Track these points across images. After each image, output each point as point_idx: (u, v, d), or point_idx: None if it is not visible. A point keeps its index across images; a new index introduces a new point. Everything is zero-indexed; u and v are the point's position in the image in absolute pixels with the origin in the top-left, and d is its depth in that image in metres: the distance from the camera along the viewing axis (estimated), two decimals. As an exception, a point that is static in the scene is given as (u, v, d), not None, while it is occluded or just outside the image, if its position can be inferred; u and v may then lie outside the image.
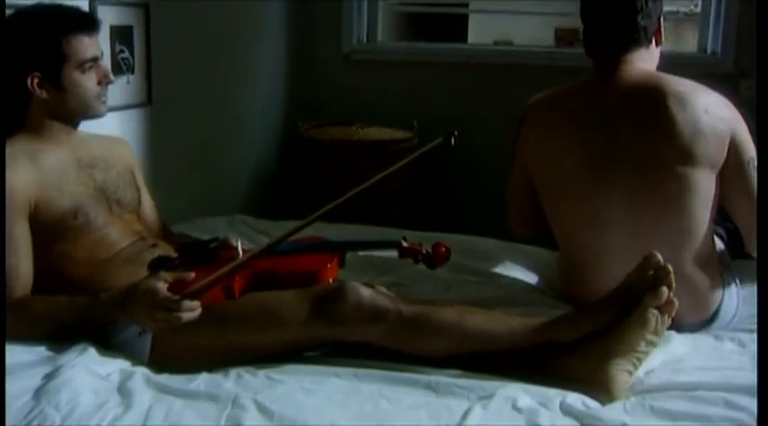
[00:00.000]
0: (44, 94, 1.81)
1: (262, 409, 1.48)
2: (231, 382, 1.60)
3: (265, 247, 1.76)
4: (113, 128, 2.32)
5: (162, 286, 1.65)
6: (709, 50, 3.52)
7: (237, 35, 3.31)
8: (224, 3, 3.12)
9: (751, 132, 1.94)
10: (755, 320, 1.78)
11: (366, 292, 1.70)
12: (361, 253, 2.35)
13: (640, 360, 1.65)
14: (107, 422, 1.44)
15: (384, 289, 1.84)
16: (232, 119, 3.33)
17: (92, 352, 1.69)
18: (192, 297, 1.64)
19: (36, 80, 1.79)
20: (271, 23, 3.62)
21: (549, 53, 3.93)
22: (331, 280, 1.83)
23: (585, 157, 1.98)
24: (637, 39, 1.97)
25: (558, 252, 2.25)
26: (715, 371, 1.72)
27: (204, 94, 3.06)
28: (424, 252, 1.85)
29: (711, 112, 1.91)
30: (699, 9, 3.69)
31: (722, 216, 2.13)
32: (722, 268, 2.07)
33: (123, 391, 1.55)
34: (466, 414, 1.48)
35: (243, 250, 1.88)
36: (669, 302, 1.63)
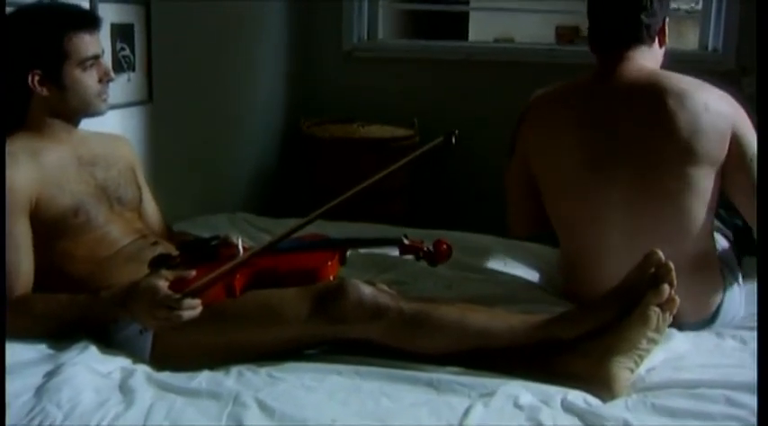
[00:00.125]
0: (45, 92, 1.80)
1: (263, 407, 1.48)
2: (232, 380, 1.60)
3: (266, 245, 1.76)
4: (114, 125, 2.32)
5: (163, 284, 1.65)
6: (710, 48, 3.52)
7: (238, 33, 3.31)
8: (225, 1, 3.12)
9: (754, 128, 1.94)
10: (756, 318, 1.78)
11: (367, 290, 1.70)
12: (362, 251, 2.35)
13: (642, 358, 1.65)
14: (108, 420, 1.44)
15: (385, 287, 1.84)
16: (233, 117, 3.33)
17: (93, 350, 1.69)
18: (193, 295, 1.65)
19: (37, 78, 1.79)
20: (272, 21, 3.62)
21: (550, 51, 3.93)
22: (332, 278, 1.83)
23: (585, 155, 1.98)
24: (639, 36, 1.97)
25: (558, 249, 2.25)
26: (716, 369, 1.72)
27: (205, 92, 3.06)
28: (425, 249, 1.85)
29: (712, 109, 1.90)
30: (700, 6, 3.69)
31: (729, 213, 2.14)
32: (723, 267, 2.07)
33: (124, 389, 1.55)
34: (467, 412, 1.48)
35: (244, 248, 1.88)
36: (670, 299, 1.63)
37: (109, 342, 1.76)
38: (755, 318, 1.85)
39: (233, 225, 2.70)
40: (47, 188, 1.79)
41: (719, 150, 1.91)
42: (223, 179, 3.28)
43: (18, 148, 1.78)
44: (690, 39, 3.81)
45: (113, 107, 2.13)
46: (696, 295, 1.94)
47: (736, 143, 1.91)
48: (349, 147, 3.41)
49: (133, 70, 2.60)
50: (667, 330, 1.71)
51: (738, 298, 2.05)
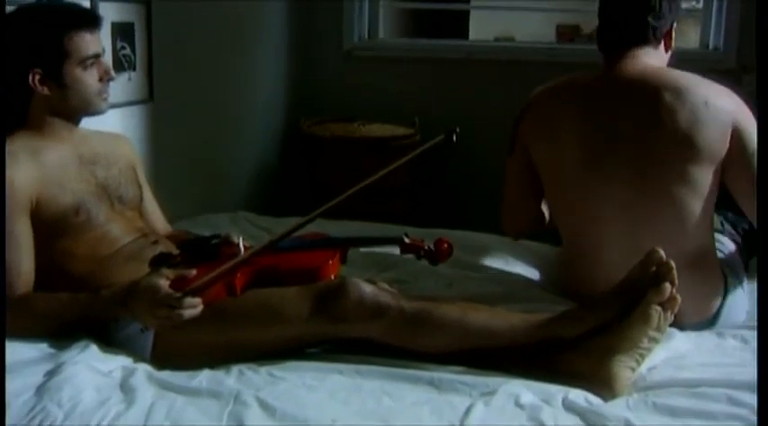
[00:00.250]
0: (45, 91, 1.80)
1: (264, 406, 1.48)
2: (233, 379, 1.60)
3: (267, 244, 1.76)
4: (115, 124, 2.32)
5: (164, 283, 1.65)
6: (711, 46, 3.51)
7: (239, 32, 3.30)
8: (226, 0, 3.12)
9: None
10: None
11: (368, 288, 1.70)
12: (362, 250, 2.34)
13: (643, 357, 1.65)
14: (109, 419, 1.44)
15: (386, 286, 1.84)
16: (234, 116, 3.33)
17: (93, 349, 1.69)
18: (194, 293, 1.64)
19: (37, 77, 1.79)
20: (272, 20, 3.62)
21: (550, 49, 3.92)
22: (333, 277, 1.83)
23: (584, 153, 1.99)
24: (645, 37, 1.99)
25: (559, 248, 2.25)
26: (717, 368, 1.72)
27: (206, 91, 3.06)
28: (426, 248, 1.85)
29: (711, 104, 1.90)
30: (701, 5, 3.69)
31: (738, 216, 2.14)
32: (725, 268, 2.07)
33: (125, 388, 1.55)
34: (468, 411, 1.48)
35: (244, 247, 1.88)
36: (672, 298, 1.63)
37: (110, 341, 1.76)
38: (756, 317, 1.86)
39: (234, 224, 2.70)
40: (47, 187, 1.78)
41: (720, 145, 1.90)
42: (224, 178, 3.28)
43: (19, 147, 1.78)
44: (691, 38, 3.81)
45: (114, 106, 2.13)
46: (694, 293, 1.92)
47: (737, 137, 1.90)
48: (349, 146, 3.41)
49: (134, 69, 2.60)
50: (668, 329, 1.70)
51: (742, 302, 2.05)
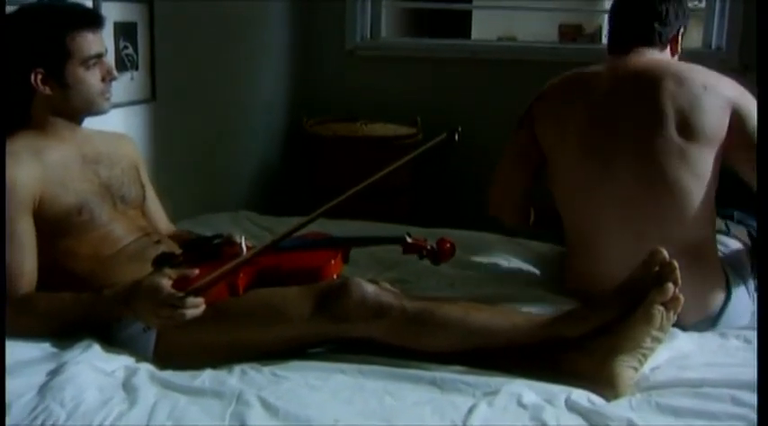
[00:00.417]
0: (48, 91, 1.80)
1: (266, 405, 1.48)
2: (235, 378, 1.60)
3: (269, 243, 1.76)
4: (117, 124, 2.32)
5: (166, 282, 1.65)
6: (713, 46, 3.51)
7: (241, 32, 3.30)
8: (228, 0, 3.12)
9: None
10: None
11: (370, 288, 1.70)
12: (365, 250, 2.34)
13: (646, 357, 1.65)
14: (111, 419, 1.43)
15: (388, 285, 1.84)
16: (236, 116, 3.33)
17: (96, 349, 1.69)
18: (196, 293, 1.64)
19: (40, 76, 1.79)
20: (274, 20, 3.62)
21: (553, 49, 3.93)
22: (335, 277, 1.83)
23: (586, 140, 2.04)
24: (650, 41, 2.08)
25: (560, 248, 2.25)
26: (720, 368, 1.72)
27: (208, 91, 3.06)
28: (428, 247, 1.85)
29: (710, 88, 1.96)
30: (703, 4, 3.68)
31: (745, 213, 2.20)
32: (726, 266, 2.07)
33: (128, 387, 1.55)
34: (471, 411, 1.48)
35: (247, 246, 1.88)
36: (675, 298, 1.63)
37: (112, 341, 1.76)
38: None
39: (236, 223, 2.70)
40: (50, 186, 1.78)
41: (719, 127, 1.95)
42: (226, 177, 3.28)
43: (21, 147, 1.78)
44: (693, 38, 3.80)
45: (116, 106, 2.13)
46: (693, 285, 1.88)
47: (737, 116, 1.95)
48: (352, 146, 3.41)
49: (136, 69, 2.60)
50: (671, 329, 1.70)
51: (746, 303, 2.05)
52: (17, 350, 1.62)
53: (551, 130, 2.13)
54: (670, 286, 1.62)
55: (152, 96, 2.69)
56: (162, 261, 1.80)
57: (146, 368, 1.64)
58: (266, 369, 1.63)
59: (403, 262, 2.27)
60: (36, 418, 1.42)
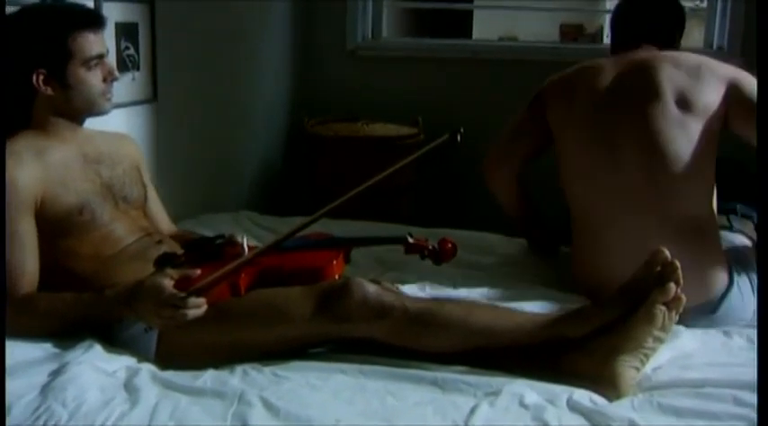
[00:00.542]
0: (49, 91, 1.80)
1: (268, 405, 1.48)
2: (237, 379, 1.60)
3: (271, 244, 1.76)
4: (119, 124, 2.32)
5: (168, 283, 1.65)
6: (715, 46, 3.51)
7: (243, 32, 3.31)
8: (229, 0, 3.12)
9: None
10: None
11: (372, 288, 1.70)
12: (366, 250, 2.34)
13: (647, 357, 1.65)
14: (113, 419, 1.44)
15: (390, 286, 1.84)
16: (237, 116, 3.33)
17: (98, 349, 1.69)
18: (198, 293, 1.64)
19: (41, 77, 1.79)
20: (276, 19, 3.62)
21: (554, 48, 3.93)
22: (337, 277, 1.83)
23: (594, 122, 2.13)
24: (654, 42, 2.21)
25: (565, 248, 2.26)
26: (723, 367, 1.72)
27: (209, 91, 3.06)
28: (430, 247, 1.85)
29: (706, 66, 2.10)
30: (705, 4, 3.68)
31: (748, 206, 2.25)
32: (730, 257, 2.09)
33: (129, 388, 1.55)
34: (473, 411, 1.47)
35: (248, 247, 1.88)
36: (677, 298, 1.63)
37: (114, 341, 1.76)
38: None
39: (237, 223, 2.70)
40: (52, 186, 1.79)
41: (715, 100, 2.05)
42: (227, 177, 3.28)
43: (23, 147, 1.78)
44: (695, 37, 3.80)
45: (118, 106, 2.13)
46: (694, 263, 1.93)
47: (733, 89, 2.06)
48: (353, 146, 3.40)
49: (137, 69, 2.60)
50: (674, 327, 1.70)
51: (748, 296, 2.05)
52: (19, 351, 1.62)
53: (559, 115, 2.22)
54: (672, 286, 1.62)
55: (153, 96, 2.70)
56: (164, 262, 1.80)
57: (147, 369, 1.64)
58: (268, 370, 1.63)
59: (405, 262, 2.27)
60: (38, 418, 1.42)
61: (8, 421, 1.40)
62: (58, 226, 1.79)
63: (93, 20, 1.86)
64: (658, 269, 1.65)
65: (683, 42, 2.33)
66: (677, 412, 1.51)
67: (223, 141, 3.21)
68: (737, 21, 3.42)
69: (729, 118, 2.06)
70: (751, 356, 1.78)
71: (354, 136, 3.46)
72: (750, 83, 2.05)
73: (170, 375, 1.62)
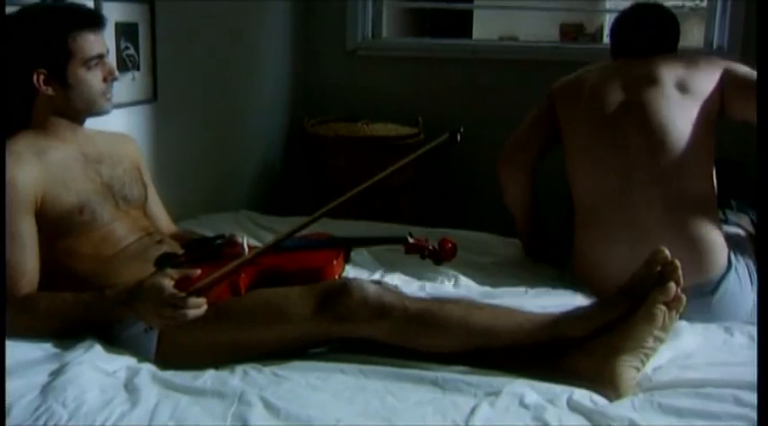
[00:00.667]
0: (50, 91, 1.81)
1: (268, 405, 1.48)
2: (237, 378, 1.60)
3: (271, 243, 1.76)
4: (119, 124, 2.32)
5: (168, 283, 1.65)
6: (715, 45, 3.51)
7: (242, 31, 3.31)
8: (229, 0, 3.12)
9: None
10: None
11: (371, 288, 1.70)
12: (366, 250, 2.34)
13: (648, 356, 1.65)
14: (114, 419, 1.43)
15: (390, 285, 1.84)
16: (237, 116, 3.33)
17: (98, 349, 1.69)
18: (198, 293, 1.64)
19: (42, 77, 1.79)
20: (275, 20, 3.62)
21: (554, 48, 3.92)
22: (337, 277, 1.83)
23: (600, 108, 2.25)
24: (656, 49, 2.33)
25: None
26: (724, 367, 1.72)
27: (209, 91, 3.06)
28: (430, 247, 1.85)
29: (703, 59, 2.31)
30: (705, 3, 3.68)
31: (741, 203, 2.30)
32: (729, 241, 2.16)
33: (130, 388, 1.55)
34: (473, 411, 1.47)
35: (248, 246, 1.88)
36: (677, 298, 1.63)
37: (114, 341, 1.76)
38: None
39: (237, 223, 2.70)
40: (52, 186, 1.79)
41: (710, 84, 2.21)
42: (227, 177, 3.28)
43: (23, 147, 1.79)
44: (695, 37, 3.81)
45: (118, 106, 2.13)
46: (695, 242, 2.08)
47: (728, 75, 2.23)
48: (353, 146, 3.41)
49: (137, 69, 2.60)
50: (675, 326, 1.70)
51: (747, 286, 2.10)
52: (19, 351, 1.62)
53: (568, 110, 2.33)
54: (672, 285, 1.62)
55: (153, 96, 2.70)
56: (164, 262, 1.80)
57: (147, 369, 1.64)
58: (268, 370, 1.63)
59: (405, 262, 2.27)
60: (38, 418, 1.42)
61: (8, 420, 1.40)
62: (58, 225, 1.79)
63: (94, 20, 1.86)
64: (658, 268, 1.65)
65: (684, 42, 2.38)
66: (678, 412, 1.51)
67: (223, 141, 3.21)
68: (737, 20, 3.42)
69: (726, 100, 2.20)
70: (752, 355, 1.77)
71: (354, 136, 3.46)
72: (743, 67, 2.21)
73: (170, 375, 1.62)
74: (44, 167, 1.79)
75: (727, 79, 2.22)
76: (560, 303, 1.93)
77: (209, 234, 2.16)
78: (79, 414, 1.43)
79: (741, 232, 2.28)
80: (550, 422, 1.45)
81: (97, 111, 1.89)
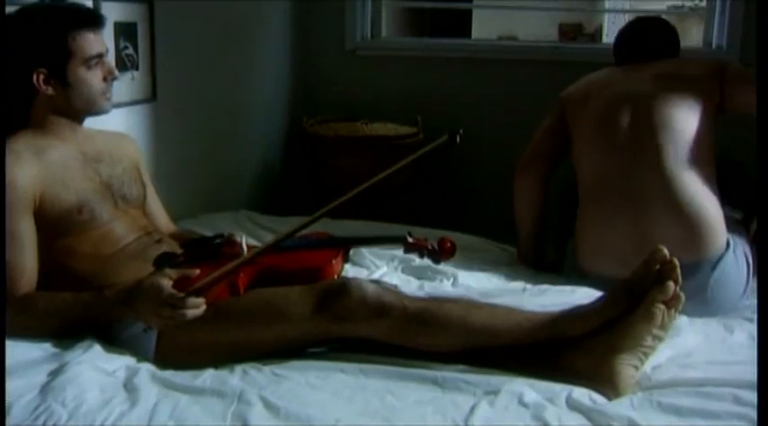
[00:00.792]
0: (50, 91, 1.81)
1: (267, 405, 1.48)
2: (237, 378, 1.60)
3: (270, 243, 1.76)
4: (118, 124, 2.32)
5: (167, 283, 1.65)
6: (714, 45, 3.50)
7: (242, 31, 3.30)
8: (228, 0, 3.12)
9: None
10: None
11: (371, 287, 1.70)
12: (366, 249, 2.34)
13: (647, 355, 1.65)
14: (113, 419, 1.44)
15: (389, 285, 1.84)
16: (236, 115, 3.33)
17: (97, 349, 1.69)
18: (197, 293, 1.64)
19: (42, 76, 1.79)
20: (275, 19, 3.61)
21: (552, 48, 3.92)
22: (336, 276, 1.83)
23: (604, 103, 2.38)
24: (659, 54, 2.49)
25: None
26: (723, 366, 1.72)
27: (208, 90, 3.06)
28: (429, 247, 1.85)
29: (700, 57, 2.47)
30: (704, 3, 3.68)
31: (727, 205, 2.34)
32: (729, 223, 2.26)
33: (129, 387, 1.55)
34: (472, 410, 1.47)
35: (247, 246, 1.88)
36: (675, 297, 1.63)
37: (113, 341, 1.76)
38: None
39: (237, 223, 2.70)
40: (51, 185, 1.79)
41: (702, 71, 2.36)
42: (227, 177, 3.28)
43: (22, 146, 1.79)
44: (694, 36, 3.81)
45: (117, 105, 2.13)
46: (694, 216, 2.19)
47: (720, 64, 2.40)
48: (352, 146, 3.40)
49: (137, 68, 2.60)
50: (674, 324, 1.70)
51: (743, 267, 2.19)
52: (18, 351, 1.62)
53: (576, 113, 2.45)
54: (671, 284, 1.62)
55: (152, 96, 2.70)
56: (163, 261, 1.80)
57: (147, 368, 1.64)
58: (267, 369, 1.63)
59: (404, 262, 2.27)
60: (37, 418, 1.42)
61: (8, 420, 1.40)
62: (57, 225, 1.79)
63: (93, 19, 1.86)
64: (657, 267, 1.65)
65: (683, 42, 2.46)
66: (677, 411, 1.51)
67: (222, 140, 3.21)
68: (736, 20, 3.41)
69: (726, 90, 2.32)
70: (751, 354, 1.78)
71: (354, 135, 3.46)
72: (738, 64, 2.42)
73: (169, 374, 1.62)
74: (43, 166, 1.79)
75: (725, 70, 2.35)
76: (559, 302, 1.92)
77: (208, 233, 2.16)
78: (78, 414, 1.44)
79: (738, 217, 2.41)
80: (550, 421, 1.45)
81: (97, 111, 1.89)
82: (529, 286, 2.19)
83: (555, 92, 2.58)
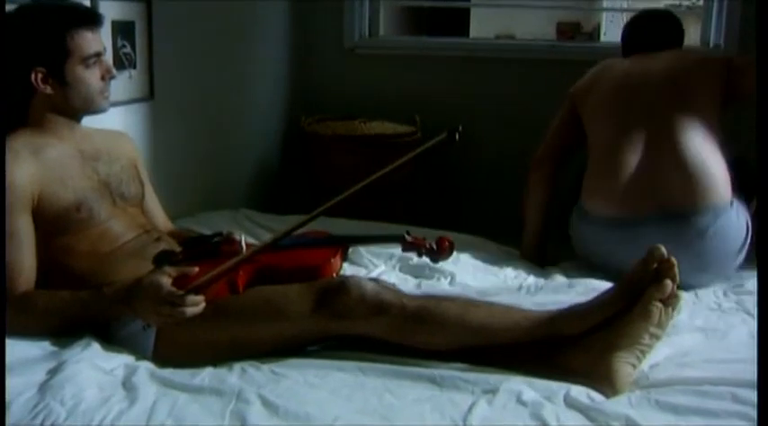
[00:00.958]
0: (48, 90, 1.81)
1: (266, 403, 1.48)
2: (235, 376, 1.60)
3: (269, 242, 1.76)
4: (116, 122, 2.32)
5: (166, 281, 1.65)
6: (711, 44, 3.51)
7: (240, 30, 3.30)
8: (226, -1, 3.12)
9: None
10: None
11: (369, 286, 1.70)
12: (364, 248, 2.35)
13: (644, 353, 1.65)
14: (112, 417, 1.44)
15: (387, 283, 1.84)
16: (234, 114, 3.33)
17: (96, 347, 1.69)
18: (196, 291, 1.65)
19: (40, 75, 1.79)
20: (273, 18, 3.61)
21: (551, 47, 3.92)
22: (334, 275, 1.83)
23: (616, 97, 2.50)
24: (664, 46, 2.58)
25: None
26: (722, 364, 1.72)
27: (206, 89, 3.06)
28: (427, 246, 1.86)
29: (700, 54, 2.68)
30: (701, 2, 3.68)
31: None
32: (734, 184, 2.37)
33: (128, 386, 1.55)
34: (471, 408, 1.48)
35: (246, 245, 1.88)
36: (673, 295, 1.63)
37: (112, 339, 1.76)
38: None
39: (235, 221, 2.71)
40: (49, 184, 1.79)
41: (711, 59, 2.53)
42: (225, 175, 3.28)
43: (20, 145, 1.79)
44: (691, 36, 3.80)
45: (115, 104, 2.13)
46: (700, 167, 2.31)
47: (731, 65, 2.48)
48: (350, 144, 3.40)
49: (134, 67, 2.60)
50: (671, 321, 1.70)
51: (743, 224, 2.33)
52: (17, 349, 1.62)
53: (588, 103, 2.54)
54: (668, 282, 1.62)
55: (150, 95, 2.70)
56: (162, 259, 1.80)
57: (145, 367, 1.64)
58: (266, 367, 1.64)
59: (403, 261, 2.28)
60: (36, 416, 1.42)
61: (6, 418, 1.40)
62: (55, 223, 1.79)
63: (91, 18, 1.86)
64: (655, 265, 1.65)
65: None
66: (675, 410, 1.51)
67: (221, 139, 3.21)
68: (734, 19, 3.42)
69: (732, 79, 2.42)
70: (750, 353, 1.78)
71: (352, 134, 3.46)
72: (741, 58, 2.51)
73: (168, 372, 1.62)
74: (41, 165, 1.79)
75: (732, 59, 2.50)
76: (557, 300, 1.93)
77: (207, 232, 2.16)
78: (77, 412, 1.44)
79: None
80: (548, 419, 1.45)
81: (95, 110, 1.89)
82: (526, 284, 2.19)
83: (553, 90, 2.59)
